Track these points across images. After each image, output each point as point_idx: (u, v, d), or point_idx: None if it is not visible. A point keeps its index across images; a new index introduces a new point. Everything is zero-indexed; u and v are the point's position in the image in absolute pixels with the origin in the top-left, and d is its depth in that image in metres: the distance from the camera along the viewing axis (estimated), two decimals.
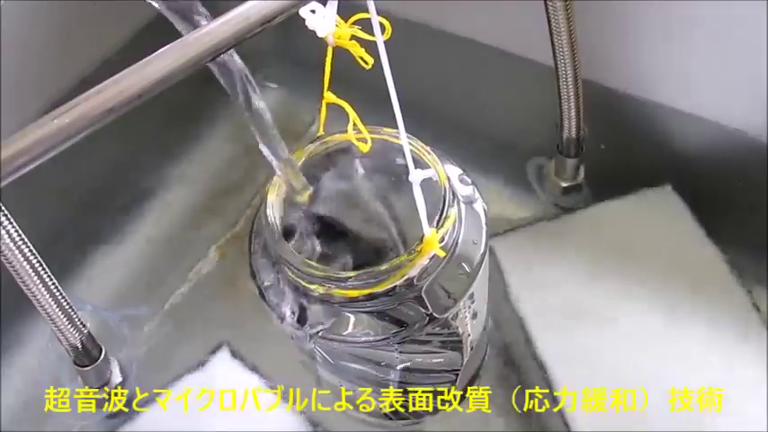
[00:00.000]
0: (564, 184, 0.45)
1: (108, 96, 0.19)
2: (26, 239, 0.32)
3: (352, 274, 0.28)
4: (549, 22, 0.37)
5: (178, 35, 0.22)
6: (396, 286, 0.28)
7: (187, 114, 0.52)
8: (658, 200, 0.44)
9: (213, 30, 0.20)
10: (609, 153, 0.46)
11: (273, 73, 0.53)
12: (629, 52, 0.46)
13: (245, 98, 0.26)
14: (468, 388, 0.39)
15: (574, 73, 0.39)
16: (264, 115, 0.27)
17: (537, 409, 0.39)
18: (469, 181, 0.32)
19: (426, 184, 0.28)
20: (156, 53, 0.20)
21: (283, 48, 0.53)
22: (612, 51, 0.47)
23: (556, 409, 0.38)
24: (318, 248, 0.31)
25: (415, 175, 0.27)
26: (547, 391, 0.39)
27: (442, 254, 0.28)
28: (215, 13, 0.22)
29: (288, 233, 0.31)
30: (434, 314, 0.29)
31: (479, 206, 0.32)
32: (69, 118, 0.19)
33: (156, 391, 0.40)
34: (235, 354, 0.41)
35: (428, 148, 0.30)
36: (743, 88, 0.44)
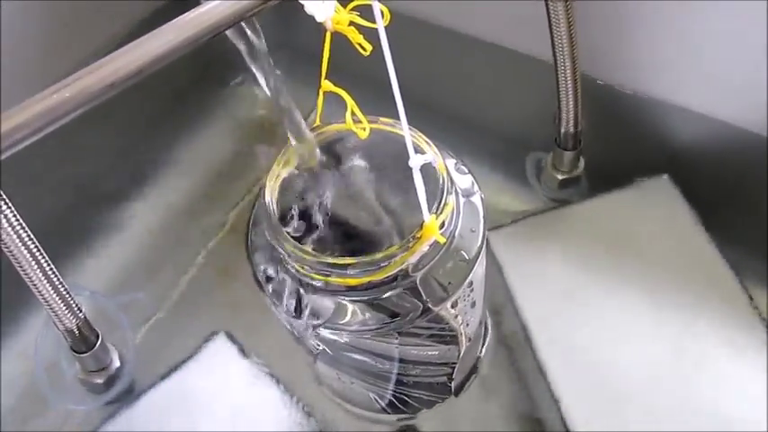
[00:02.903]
0: (561, 178, 0.45)
1: (108, 72, 0.19)
2: (24, 224, 0.32)
3: (352, 261, 0.27)
4: (548, 17, 0.37)
5: None
6: (395, 274, 0.28)
7: (187, 102, 0.52)
8: (655, 192, 0.44)
9: (211, 9, 0.21)
10: (607, 147, 0.47)
11: (275, 62, 0.53)
12: (627, 47, 0.46)
13: (264, 69, 0.26)
14: (465, 381, 0.39)
15: (573, 67, 0.39)
16: (281, 86, 0.27)
17: (534, 402, 0.39)
18: (466, 170, 0.32)
19: (424, 174, 0.28)
20: (155, 30, 0.20)
21: (285, 36, 0.53)
22: (611, 46, 0.47)
23: (553, 402, 0.38)
24: (315, 237, 0.31)
25: (415, 160, 0.27)
26: (544, 384, 0.39)
27: (442, 240, 0.28)
28: None
29: (285, 223, 0.31)
30: (433, 302, 0.29)
31: (477, 194, 0.32)
32: (70, 92, 0.19)
33: (153, 376, 0.40)
34: (232, 341, 0.41)
35: (426, 138, 0.30)
36: (742, 83, 0.44)
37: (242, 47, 0.24)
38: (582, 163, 0.45)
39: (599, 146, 0.46)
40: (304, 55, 0.52)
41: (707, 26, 0.43)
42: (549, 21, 0.38)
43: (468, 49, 0.52)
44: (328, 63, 0.28)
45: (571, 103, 0.41)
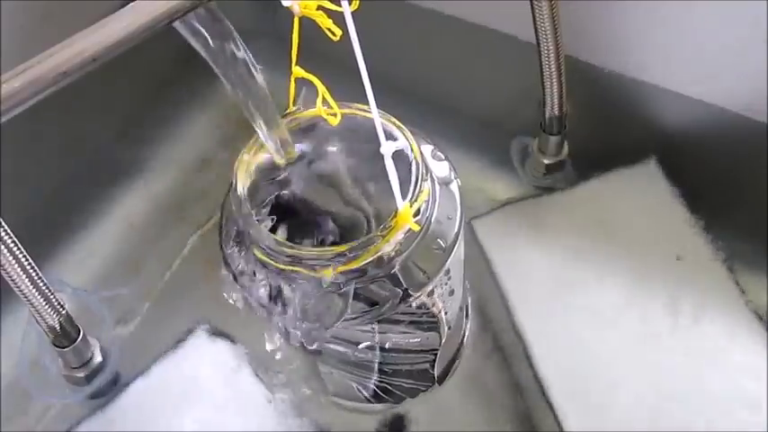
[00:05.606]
0: (547, 162, 0.44)
1: (61, 60, 0.19)
2: (2, 221, 0.32)
3: (325, 251, 0.27)
4: None
5: None
6: (369, 263, 0.28)
7: (170, 96, 0.52)
8: (641, 177, 0.44)
9: None
10: (594, 131, 0.46)
11: (255, 52, 0.53)
12: (612, 28, 0.46)
13: (227, 58, 0.26)
14: (448, 369, 0.38)
15: (556, 49, 0.38)
16: (250, 71, 0.26)
17: (520, 389, 0.38)
18: (443, 157, 0.32)
19: (400, 162, 0.28)
20: (110, 16, 0.19)
21: (265, 26, 0.53)
22: (596, 27, 0.46)
23: (540, 389, 0.38)
24: (288, 227, 0.31)
25: (387, 147, 0.27)
26: (530, 370, 0.38)
27: (416, 228, 0.28)
28: None
29: (257, 213, 0.30)
30: (410, 290, 0.29)
31: (454, 181, 0.31)
32: (20, 82, 0.18)
33: (137, 370, 0.40)
34: (216, 333, 0.41)
35: (401, 124, 0.30)
36: (734, 65, 0.44)
37: (189, 38, 0.24)
38: (566, 147, 0.45)
39: (586, 130, 0.45)
40: (288, 41, 0.51)
41: (697, 4, 0.42)
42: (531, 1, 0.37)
43: (451, 30, 0.51)
44: (299, 48, 0.27)
45: (555, 85, 0.40)
